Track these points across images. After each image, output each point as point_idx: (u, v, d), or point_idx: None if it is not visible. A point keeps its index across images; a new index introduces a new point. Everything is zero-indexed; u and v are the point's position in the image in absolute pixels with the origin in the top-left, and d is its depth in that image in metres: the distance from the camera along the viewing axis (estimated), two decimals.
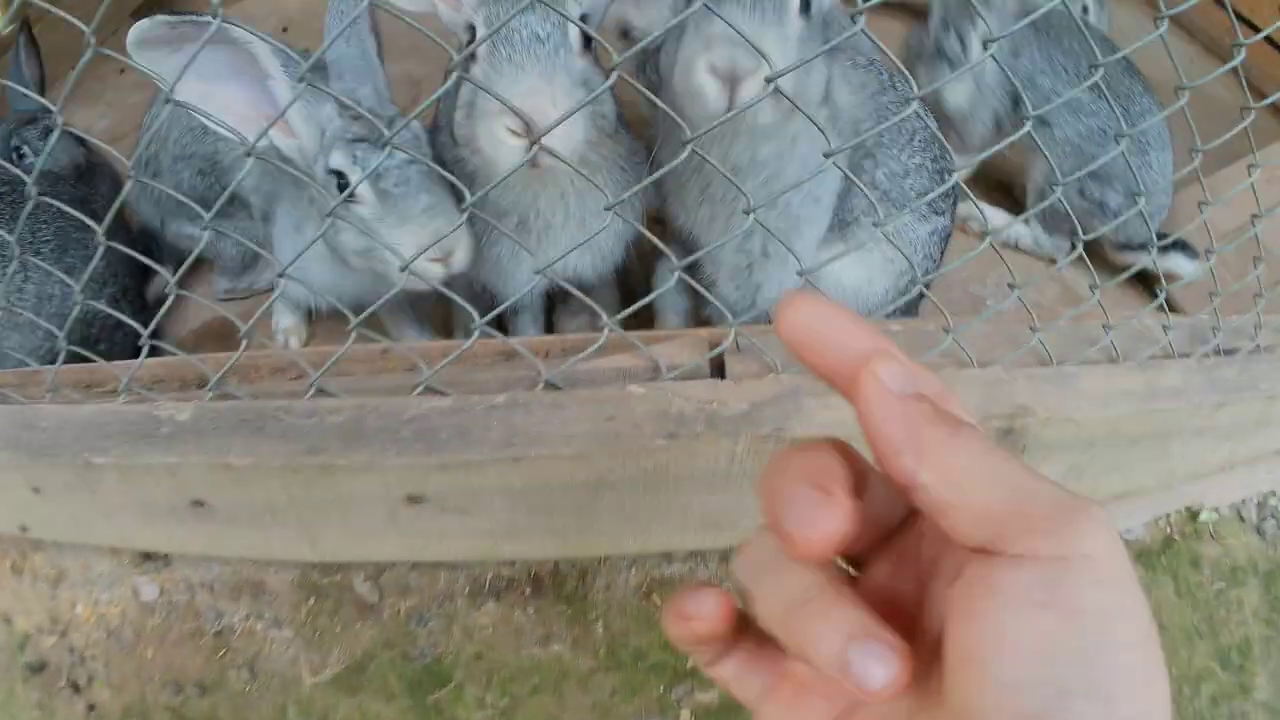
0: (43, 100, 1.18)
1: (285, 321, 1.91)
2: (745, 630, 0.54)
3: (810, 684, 0.52)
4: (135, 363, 1.32)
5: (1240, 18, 1.22)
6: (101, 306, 1.37)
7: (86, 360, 1.38)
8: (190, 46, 1.11)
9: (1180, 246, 1.94)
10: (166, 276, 1.22)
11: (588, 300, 1.21)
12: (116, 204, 1.14)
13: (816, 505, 0.45)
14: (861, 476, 0.50)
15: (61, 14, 0.99)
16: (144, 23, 1.13)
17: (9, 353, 1.61)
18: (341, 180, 1.33)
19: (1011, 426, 1.33)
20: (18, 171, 1.18)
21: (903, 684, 0.44)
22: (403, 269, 1.16)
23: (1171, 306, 1.68)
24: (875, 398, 0.45)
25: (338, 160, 1.33)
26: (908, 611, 0.51)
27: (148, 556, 1.55)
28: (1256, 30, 1.26)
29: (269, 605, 1.52)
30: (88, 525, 1.45)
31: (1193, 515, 1.78)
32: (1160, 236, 1.75)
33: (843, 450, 0.50)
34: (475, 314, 1.19)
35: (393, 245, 1.25)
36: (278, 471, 1.27)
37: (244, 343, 1.24)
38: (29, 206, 1.12)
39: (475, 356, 1.30)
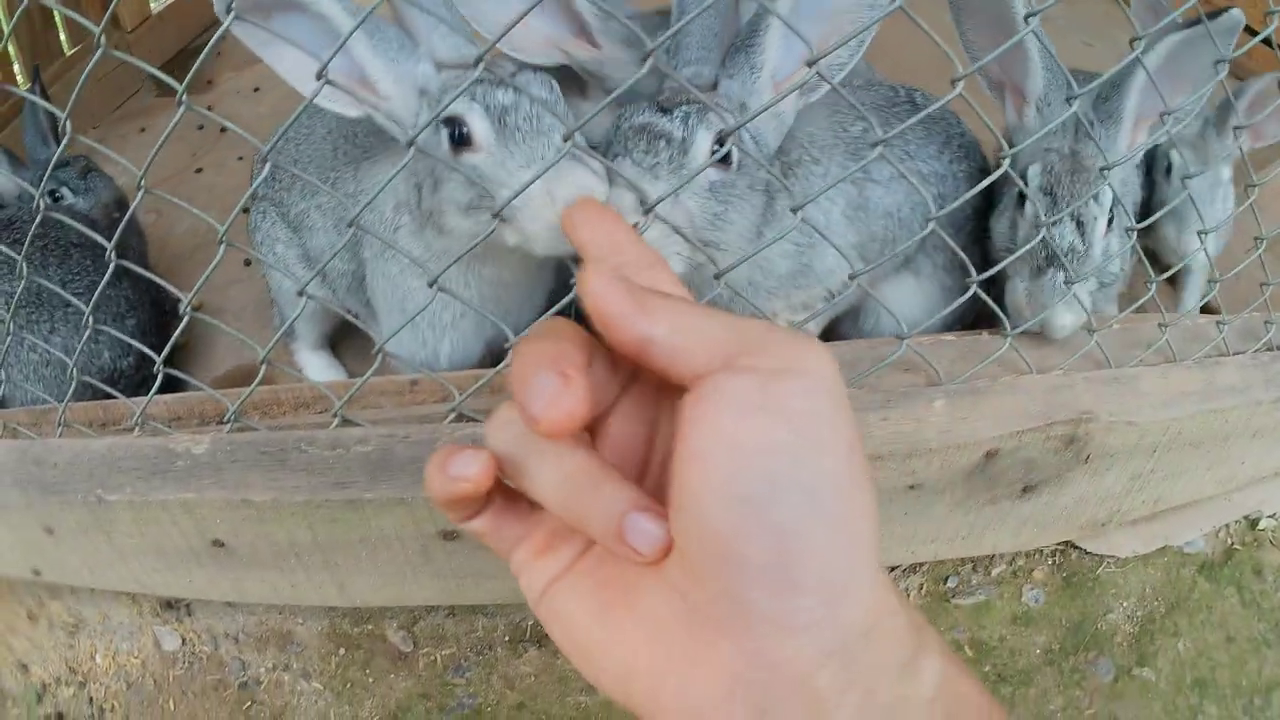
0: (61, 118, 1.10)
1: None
2: (498, 487, 0.57)
3: (560, 532, 0.57)
4: (149, 397, 1.24)
5: None
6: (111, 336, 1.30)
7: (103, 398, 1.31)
8: (281, 13, 1.04)
9: None
10: (180, 296, 1.13)
11: None
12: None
13: (558, 390, 0.49)
14: (588, 355, 0.54)
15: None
16: None
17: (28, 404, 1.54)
18: (456, 131, 1.10)
19: (1075, 433, 1.27)
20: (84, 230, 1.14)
21: (667, 548, 0.50)
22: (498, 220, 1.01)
23: (1210, 309, 1.67)
24: (600, 281, 0.51)
25: (452, 107, 1.09)
26: (638, 465, 0.57)
27: (169, 605, 1.46)
28: None
29: (297, 656, 1.42)
30: (103, 569, 1.36)
31: (1252, 524, 1.71)
32: None
33: (573, 332, 0.55)
34: (510, 333, 1.09)
35: (516, 195, 1.01)
36: (301, 508, 1.18)
37: (262, 369, 1.15)
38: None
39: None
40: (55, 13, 2.46)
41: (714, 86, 1.27)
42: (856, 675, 0.47)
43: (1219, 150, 1.69)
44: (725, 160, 1.19)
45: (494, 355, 1.39)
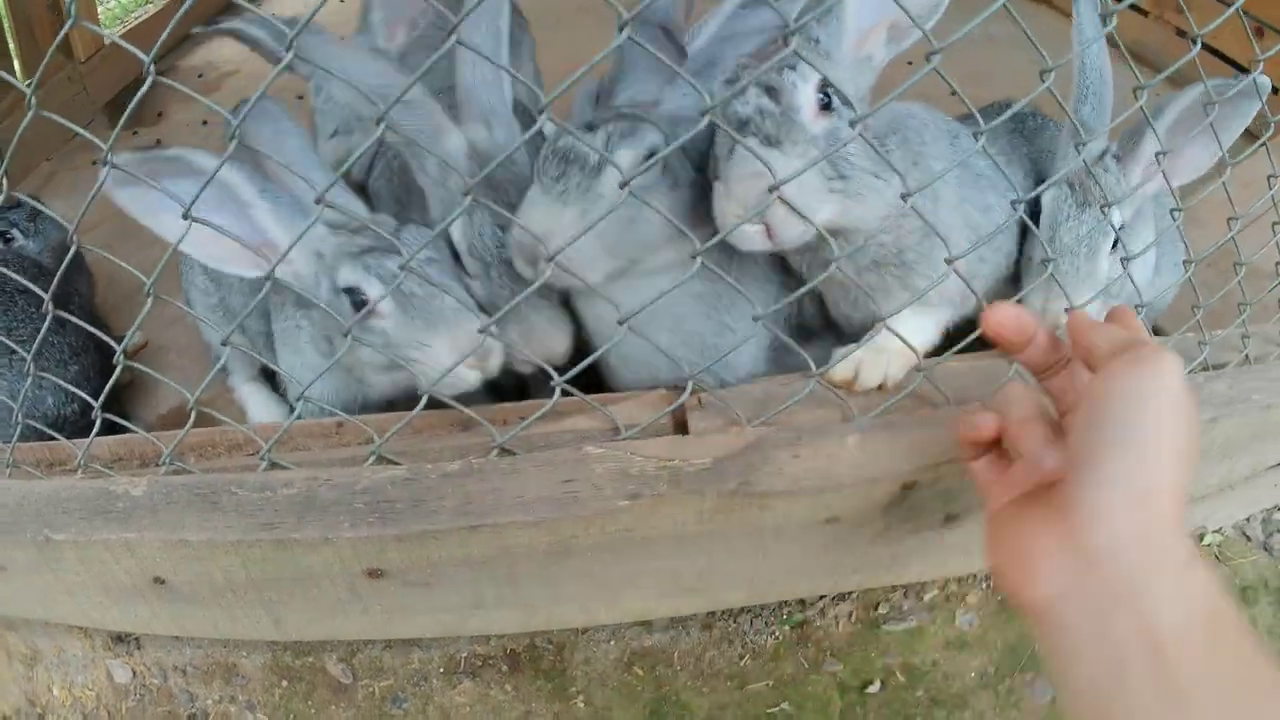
0: None
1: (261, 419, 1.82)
2: (995, 445, 1.00)
3: (1020, 477, 0.93)
4: (90, 439, 1.28)
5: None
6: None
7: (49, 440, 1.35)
8: (169, 179, 1.09)
9: None
10: (114, 345, 1.18)
11: (545, 365, 1.15)
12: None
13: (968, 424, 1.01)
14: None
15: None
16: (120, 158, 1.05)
17: None
18: (355, 296, 1.23)
19: None
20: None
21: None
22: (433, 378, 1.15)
23: (1154, 331, 1.63)
24: (1071, 325, 0.95)
25: (348, 276, 1.22)
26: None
27: (120, 639, 1.51)
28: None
29: (242, 688, 1.46)
30: (53, 604, 1.41)
31: (1197, 539, 1.74)
32: None
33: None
34: (422, 380, 1.14)
35: (423, 355, 1.20)
36: (233, 547, 1.22)
37: (192, 415, 1.19)
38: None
39: (432, 428, 1.25)
40: (9, 44, 2.49)
41: (655, 104, 1.31)
42: (1144, 571, 0.76)
43: (1115, 188, 1.41)
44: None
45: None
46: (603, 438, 1.21)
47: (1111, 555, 0.75)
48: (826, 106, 1.16)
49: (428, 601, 1.26)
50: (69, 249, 1.88)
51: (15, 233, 1.85)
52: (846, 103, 1.18)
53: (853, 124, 1.05)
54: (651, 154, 1.22)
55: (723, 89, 1.22)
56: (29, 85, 0.99)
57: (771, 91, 1.16)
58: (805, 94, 1.15)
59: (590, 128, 1.24)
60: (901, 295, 1.33)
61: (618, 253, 1.23)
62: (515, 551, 1.19)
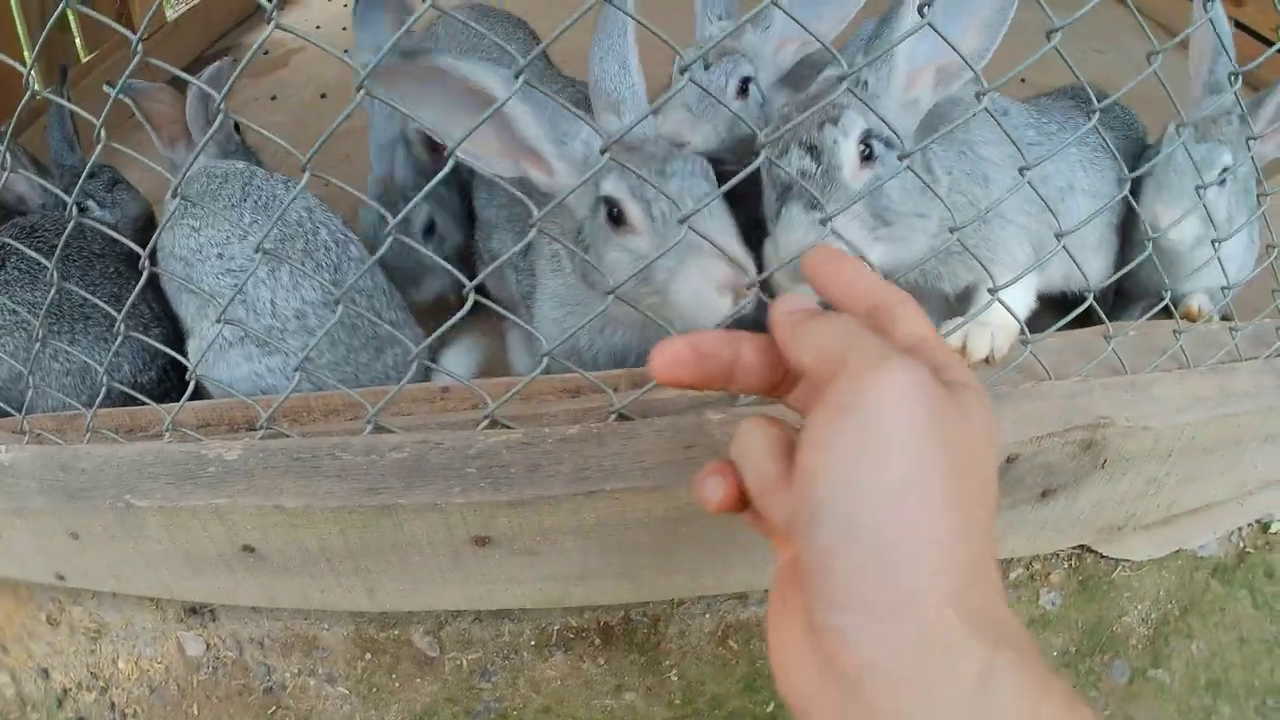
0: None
1: None
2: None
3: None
4: (181, 402, 1.25)
5: None
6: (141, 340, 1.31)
7: (132, 402, 1.31)
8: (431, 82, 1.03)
9: None
10: (219, 303, 1.14)
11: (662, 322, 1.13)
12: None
13: (663, 353, 0.70)
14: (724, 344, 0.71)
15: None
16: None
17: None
18: (613, 210, 1.19)
19: (1093, 438, 1.28)
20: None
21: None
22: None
23: (1223, 316, 1.64)
24: (773, 320, 0.68)
25: (609, 189, 1.19)
26: None
27: (193, 610, 1.47)
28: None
29: (322, 661, 1.43)
30: (129, 574, 1.37)
31: (1264, 527, 1.71)
32: None
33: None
34: (544, 341, 1.11)
35: (673, 279, 1.15)
36: (334, 513, 1.19)
37: (297, 376, 1.16)
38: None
39: (541, 394, 1.23)
40: (70, 19, 2.48)
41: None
42: (919, 694, 0.52)
43: (1234, 136, 1.51)
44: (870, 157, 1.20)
45: None
46: (723, 403, 1.18)
47: (871, 681, 0.53)
48: (869, 157, 1.17)
49: (533, 571, 1.24)
50: (149, 221, 1.87)
51: (91, 203, 1.81)
52: (891, 144, 1.18)
53: (901, 158, 1.06)
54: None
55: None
56: (136, 37, 0.97)
57: (813, 151, 1.17)
58: (846, 151, 1.17)
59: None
60: (967, 276, 1.34)
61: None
62: (630, 518, 1.16)
